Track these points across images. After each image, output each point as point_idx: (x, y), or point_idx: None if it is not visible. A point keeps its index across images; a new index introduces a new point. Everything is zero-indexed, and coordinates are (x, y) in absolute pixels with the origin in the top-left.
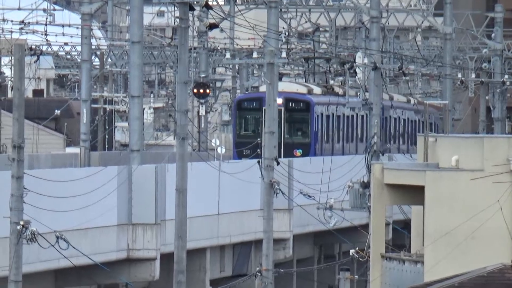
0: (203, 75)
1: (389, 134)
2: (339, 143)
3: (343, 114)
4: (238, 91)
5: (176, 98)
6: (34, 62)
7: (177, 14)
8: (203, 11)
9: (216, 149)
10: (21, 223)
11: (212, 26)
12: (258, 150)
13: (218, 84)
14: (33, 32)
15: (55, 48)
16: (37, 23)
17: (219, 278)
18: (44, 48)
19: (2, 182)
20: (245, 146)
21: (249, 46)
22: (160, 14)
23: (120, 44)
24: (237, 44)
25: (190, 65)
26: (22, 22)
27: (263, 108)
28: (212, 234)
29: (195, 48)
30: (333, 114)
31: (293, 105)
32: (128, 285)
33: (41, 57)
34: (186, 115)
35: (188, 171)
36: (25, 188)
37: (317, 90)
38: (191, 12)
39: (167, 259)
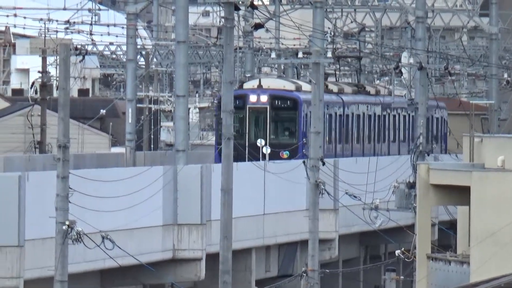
0: (249, 75)
1: (431, 135)
2: (331, 144)
3: (335, 113)
4: None
5: (222, 98)
6: (80, 62)
7: (223, 14)
8: (248, 11)
9: (261, 149)
10: (67, 223)
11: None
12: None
13: None
14: (79, 31)
15: (101, 48)
16: (82, 22)
17: (265, 279)
18: (89, 47)
19: (47, 182)
20: None
21: (294, 46)
22: (206, 14)
23: (166, 43)
24: (283, 44)
25: (236, 65)
26: (67, 22)
27: (247, 106)
28: (257, 234)
29: (240, 48)
30: (324, 113)
31: (279, 103)
32: (174, 285)
33: (86, 56)
34: (231, 115)
35: (233, 171)
36: (71, 188)
37: (307, 86)
38: (236, 12)
39: (212, 259)
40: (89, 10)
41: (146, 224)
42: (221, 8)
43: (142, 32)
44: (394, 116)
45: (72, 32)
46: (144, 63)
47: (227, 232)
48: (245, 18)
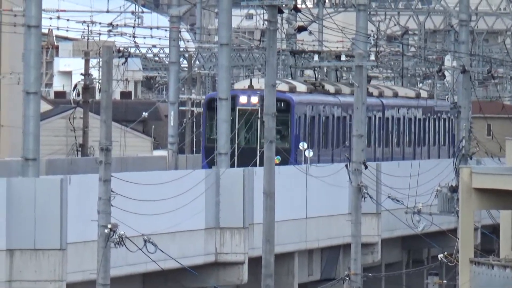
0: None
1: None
2: (327, 148)
3: (333, 115)
4: None
5: (264, 101)
6: (122, 64)
7: (266, 16)
8: (291, 13)
9: (304, 152)
10: (109, 226)
11: (301, 29)
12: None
13: None
14: (121, 34)
15: (143, 50)
16: (125, 25)
17: (307, 282)
18: (132, 50)
19: (89, 185)
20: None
21: (337, 48)
22: (249, 16)
23: (208, 46)
24: (326, 47)
25: (278, 67)
26: (110, 24)
27: (237, 108)
28: (300, 238)
29: (283, 51)
30: (319, 115)
31: None
32: None
33: (129, 59)
34: (274, 118)
35: (275, 175)
36: (113, 191)
37: (301, 87)
38: (279, 14)
39: (255, 263)
40: (132, 12)
41: (188, 227)
42: (264, 11)
43: (185, 35)
44: (435, 119)
45: (115, 35)
46: (186, 65)
47: (270, 235)
48: (288, 21)
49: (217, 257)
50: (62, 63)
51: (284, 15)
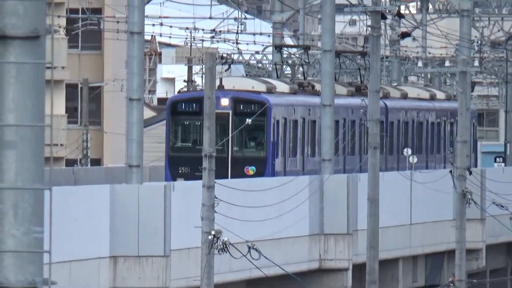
0: (395, 84)
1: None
2: (314, 157)
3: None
4: None
5: (368, 107)
6: (225, 71)
7: (369, 22)
8: (395, 19)
9: (408, 158)
10: (213, 233)
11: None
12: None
13: None
14: (224, 40)
15: (246, 57)
16: (228, 31)
17: None
18: (235, 56)
19: (193, 192)
20: (182, 162)
21: (441, 54)
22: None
23: (312, 52)
24: (429, 53)
25: (382, 73)
26: (213, 30)
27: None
28: (404, 244)
29: (387, 57)
30: (304, 119)
31: (244, 108)
32: None
33: (232, 65)
34: (378, 124)
35: (379, 181)
36: (216, 198)
37: (283, 87)
38: (383, 20)
39: (359, 269)
40: (235, 19)
41: (292, 234)
42: (368, 17)
43: (288, 41)
44: (452, 123)
45: (218, 41)
46: (290, 72)
47: (374, 242)
48: (391, 27)
49: (321, 264)
50: (165, 70)
51: (388, 21)
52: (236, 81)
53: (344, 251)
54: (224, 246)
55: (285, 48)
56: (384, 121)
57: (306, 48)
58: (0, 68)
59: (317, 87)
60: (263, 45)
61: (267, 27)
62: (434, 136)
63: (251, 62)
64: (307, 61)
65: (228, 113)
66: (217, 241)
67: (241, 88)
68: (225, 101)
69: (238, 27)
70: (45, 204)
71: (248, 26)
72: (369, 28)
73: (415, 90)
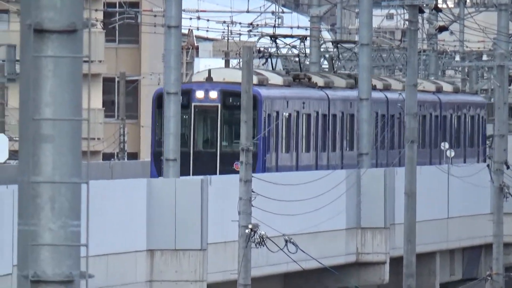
0: (432, 78)
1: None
2: (309, 152)
3: (317, 113)
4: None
5: (405, 101)
6: (263, 65)
7: (407, 16)
8: (432, 13)
9: (445, 152)
10: (250, 226)
11: (442, 29)
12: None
13: None
14: (262, 34)
15: (284, 51)
16: (265, 25)
17: (449, 282)
18: (272, 50)
19: (230, 186)
20: None
21: (478, 48)
22: (390, 16)
23: (349, 46)
24: (467, 47)
25: (419, 67)
26: (250, 24)
27: (193, 104)
28: (441, 238)
29: (424, 51)
30: (298, 112)
31: (234, 101)
32: None
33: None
34: (415, 118)
35: (417, 174)
36: (253, 192)
37: (276, 79)
38: (420, 14)
39: (396, 262)
40: (273, 12)
41: (329, 227)
42: (405, 11)
43: (326, 35)
44: (459, 116)
45: (255, 35)
46: (327, 66)
47: (411, 235)
48: (429, 21)
49: (358, 257)
50: (202, 64)
51: (425, 15)
52: (226, 73)
53: (381, 245)
54: (261, 239)
55: (281, 39)
56: (386, 114)
57: (302, 39)
58: (38, 62)
59: (314, 79)
60: (300, 38)
61: (304, 21)
62: (467, 130)
63: (288, 56)
64: (303, 52)
65: (217, 106)
66: (254, 235)
67: (230, 80)
68: (213, 94)
69: (275, 20)
70: (82, 198)
71: (286, 20)
72: (407, 22)
73: (423, 82)
